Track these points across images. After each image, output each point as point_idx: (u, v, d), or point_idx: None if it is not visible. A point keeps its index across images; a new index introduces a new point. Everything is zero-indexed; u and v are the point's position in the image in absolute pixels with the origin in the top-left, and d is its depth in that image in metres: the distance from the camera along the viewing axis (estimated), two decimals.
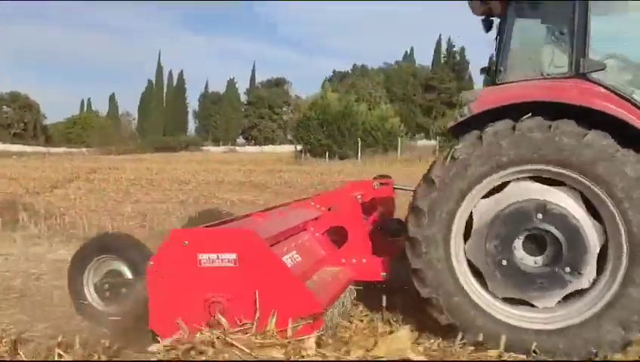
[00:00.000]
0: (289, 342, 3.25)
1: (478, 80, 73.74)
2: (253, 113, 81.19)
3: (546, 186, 3.66)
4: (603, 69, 3.90)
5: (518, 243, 3.64)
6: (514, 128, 3.58)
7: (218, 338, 3.18)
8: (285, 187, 17.55)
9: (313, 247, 4.50)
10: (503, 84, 4.13)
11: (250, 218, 4.48)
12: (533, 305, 3.69)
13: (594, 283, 3.58)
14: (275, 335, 3.34)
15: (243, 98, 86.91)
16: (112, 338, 3.65)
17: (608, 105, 3.63)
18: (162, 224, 9.53)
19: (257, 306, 3.50)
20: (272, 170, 26.82)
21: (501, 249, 3.63)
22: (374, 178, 5.28)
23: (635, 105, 3.68)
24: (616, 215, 3.48)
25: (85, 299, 4.49)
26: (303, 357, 3.11)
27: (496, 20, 4.94)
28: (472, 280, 3.79)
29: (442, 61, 71.19)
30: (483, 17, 5.13)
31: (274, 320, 3.46)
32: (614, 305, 3.51)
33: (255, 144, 74.78)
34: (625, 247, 3.49)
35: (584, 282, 3.56)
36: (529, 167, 3.60)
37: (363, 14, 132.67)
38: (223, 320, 3.45)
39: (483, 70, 5.19)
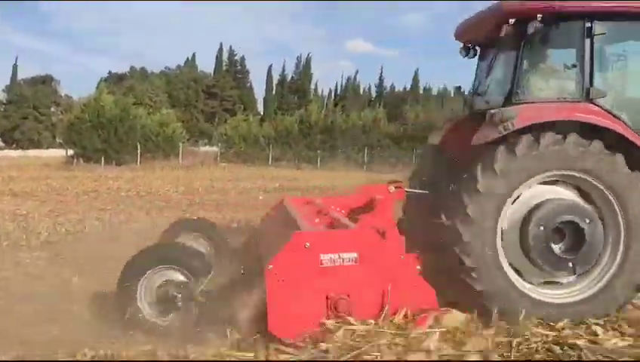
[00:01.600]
0: (413, 337, 3.46)
1: (259, 89, 76.53)
2: (14, 113, 71.97)
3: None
4: (605, 97, 4.83)
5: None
6: (565, 138, 4.51)
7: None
8: (54, 194, 16.25)
9: None
10: (520, 103, 4.88)
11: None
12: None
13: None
14: (406, 328, 3.52)
15: (1, 96, 76.44)
16: None
17: (609, 123, 4.68)
18: None
19: (382, 300, 3.70)
20: (37, 176, 24.37)
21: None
22: (388, 182, 5.59)
23: (624, 122, 4.77)
24: (614, 202, 4.58)
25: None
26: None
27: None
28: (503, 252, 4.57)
29: (224, 69, 72.32)
30: (463, 44, 6.03)
31: (402, 313, 3.68)
32: (619, 275, 4.61)
33: (17, 148, 66.39)
34: (622, 223, 4.60)
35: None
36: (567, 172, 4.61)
37: (145, 14, 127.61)
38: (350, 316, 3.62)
39: (458, 88, 5.76)
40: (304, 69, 67.31)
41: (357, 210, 5.37)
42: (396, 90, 62.13)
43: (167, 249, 4.64)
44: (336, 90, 66.98)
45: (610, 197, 4.61)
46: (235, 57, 73.16)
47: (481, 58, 6.01)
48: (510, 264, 4.61)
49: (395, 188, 5.37)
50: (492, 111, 4.83)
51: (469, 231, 4.45)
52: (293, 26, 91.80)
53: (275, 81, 68.01)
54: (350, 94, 63.25)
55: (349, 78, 66.19)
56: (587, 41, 4.85)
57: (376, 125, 42.22)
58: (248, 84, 72.00)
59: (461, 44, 6.01)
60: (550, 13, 4.79)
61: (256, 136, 42.28)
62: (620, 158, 4.57)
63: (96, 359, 3.54)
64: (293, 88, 66.08)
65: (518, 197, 4.63)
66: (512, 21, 4.90)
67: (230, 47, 72.52)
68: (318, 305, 3.72)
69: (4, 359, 3.53)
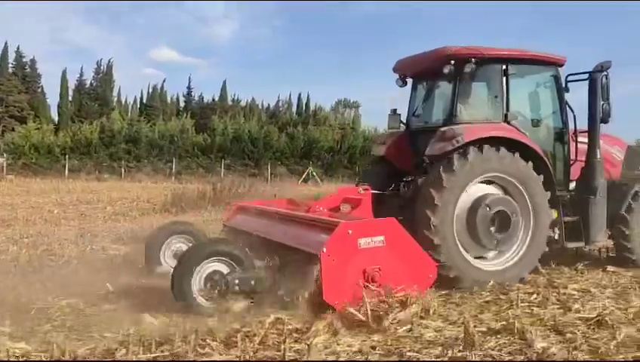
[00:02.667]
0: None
1: (53, 94, 69.68)
2: None
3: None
4: (516, 119, 6.64)
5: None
6: (496, 150, 6.14)
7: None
8: None
9: None
10: (458, 124, 6.39)
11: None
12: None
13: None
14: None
15: None
16: None
17: (519, 137, 6.41)
18: None
19: (403, 270, 4.96)
20: None
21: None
22: (357, 185, 7.07)
23: (527, 136, 6.56)
24: (525, 194, 6.32)
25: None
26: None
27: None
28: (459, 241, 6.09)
29: (10, 71, 64.69)
30: (400, 76, 7.58)
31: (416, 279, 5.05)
32: (530, 249, 6.33)
33: None
34: (530, 209, 6.32)
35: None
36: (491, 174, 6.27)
37: None
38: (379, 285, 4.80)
39: (394, 111, 7.59)
40: (105, 75, 63.45)
41: (337, 208, 6.61)
42: (205, 100, 61.75)
43: (216, 244, 5.48)
44: (141, 98, 64.24)
45: (523, 191, 6.34)
46: (24, 59, 66.00)
47: (414, 88, 7.67)
48: (459, 241, 6.14)
49: (364, 190, 6.71)
50: (443, 129, 6.39)
51: (436, 216, 5.93)
52: (89, 28, 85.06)
53: (72, 87, 62.89)
54: (157, 103, 61.27)
55: (154, 87, 64.00)
56: (504, 79, 6.67)
57: (184, 135, 41.76)
58: (40, 89, 65.40)
59: (397, 76, 7.65)
60: (480, 57, 6.53)
61: (51, 145, 38.82)
62: (525, 162, 6.35)
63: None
64: (93, 95, 61.84)
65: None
66: (452, 62, 6.50)
67: (18, 47, 65.24)
68: (358, 277, 4.82)
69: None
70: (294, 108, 58.66)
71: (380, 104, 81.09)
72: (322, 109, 57.81)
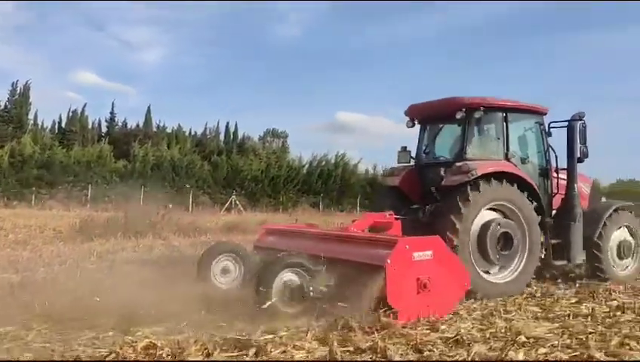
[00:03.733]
0: None
1: None
2: None
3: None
4: (514, 157, 7.96)
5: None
6: (500, 182, 7.35)
7: None
8: None
9: None
10: (468, 160, 7.52)
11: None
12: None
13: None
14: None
15: None
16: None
17: (517, 172, 7.64)
18: None
19: (446, 278, 5.90)
20: None
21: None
22: (384, 211, 7.75)
23: (521, 170, 7.81)
24: (522, 220, 7.53)
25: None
26: None
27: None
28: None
29: None
30: (410, 118, 8.80)
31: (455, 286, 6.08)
32: (526, 266, 7.53)
33: None
34: (526, 232, 7.53)
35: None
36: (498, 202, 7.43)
37: None
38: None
39: (404, 148, 8.68)
40: (21, 97, 60.52)
41: (363, 230, 7.37)
42: (129, 126, 59.94)
43: (292, 257, 6.14)
44: (60, 122, 61.56)
45: (521, 217, 7.54)
46: None
47: (423, 129, 8.85)
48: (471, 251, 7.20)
49: (389, 215, 7.65)
50: (458, 164, 7.52)
51: (460, 222, 7.01)
52: (4, 47, 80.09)
53: None
54: (77, 128, 58.93)
55: (74, 111, 61.53)
56: (504, 124, 8.00)
57: (101, 161, 40.42)
58: None
59: (408, 118, 8.82)
60: (486, 106, 7.89)
61: None
62: (522, 193, 7.60)
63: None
64: (7, 118, 58.72)
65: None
66: (464, 109, 7.76)
67: None
68: (413, 284, 5.70)
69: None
70: (222, 137, 58.24)
71: (306, 135, 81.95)
72: (250, 138, 57.78)
